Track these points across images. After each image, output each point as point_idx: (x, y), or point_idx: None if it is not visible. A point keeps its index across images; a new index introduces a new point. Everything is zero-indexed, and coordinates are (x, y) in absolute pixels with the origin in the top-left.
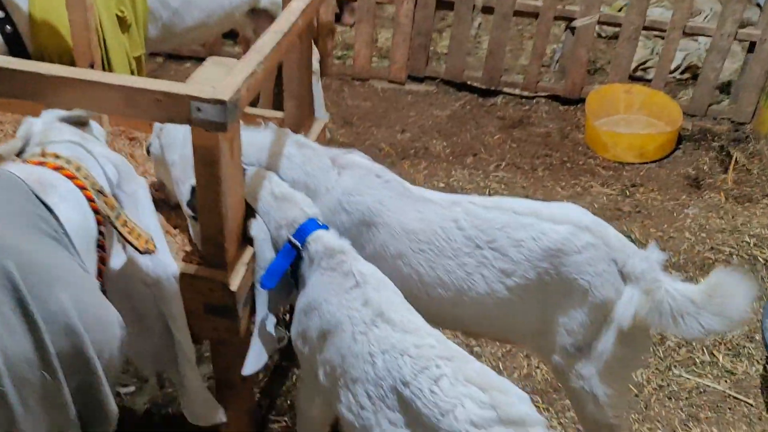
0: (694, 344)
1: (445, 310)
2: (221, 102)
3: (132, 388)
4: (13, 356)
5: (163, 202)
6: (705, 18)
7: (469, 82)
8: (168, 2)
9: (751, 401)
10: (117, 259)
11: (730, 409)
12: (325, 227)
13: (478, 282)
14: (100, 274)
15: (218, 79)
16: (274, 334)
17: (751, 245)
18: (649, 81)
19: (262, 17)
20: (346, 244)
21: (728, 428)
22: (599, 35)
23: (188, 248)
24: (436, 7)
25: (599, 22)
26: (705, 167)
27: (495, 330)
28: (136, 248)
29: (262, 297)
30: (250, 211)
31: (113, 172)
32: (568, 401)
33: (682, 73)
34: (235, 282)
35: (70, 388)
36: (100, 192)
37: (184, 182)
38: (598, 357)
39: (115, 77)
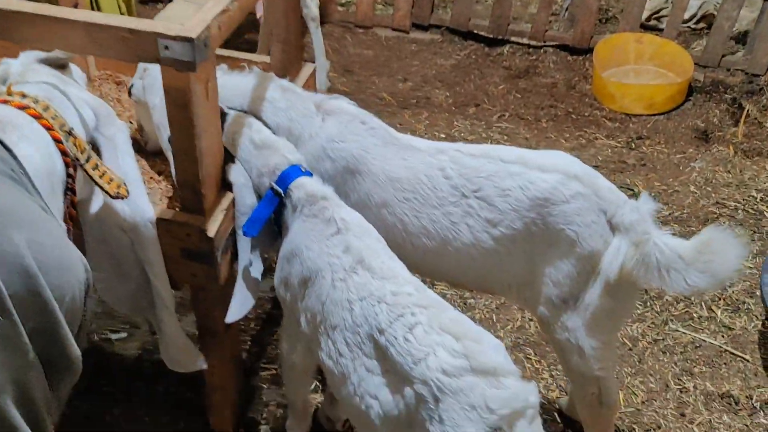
0: (692, 299)
1: (429, 261)
2: (189, 39)
3: (123, 335)
4: None
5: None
6: None
7: (475, 31)
8: None
9: (747, 357)
10: (93, 203)
11: (725, 364)
12: (309, 174)
13: (463, 232)
14: (71, 218)
15: (188, 16)
16: (260, 280)
17: (758, 200)
18: (663, 31)
19: None
20: (329, 191)
21: (722, 383)
22: None
23: (171, 194)
24: None
25: None
26: (715, 120)
27: (480, 281)
28: (107, 192)
29: (244, 244)
30: (229, 156)
31: (90, 115)
32: None
33: (697, 22)
34: (212, 228)
35: (27, 330)
36: (70, 133)
37: (166, 127)
38: (584, 309)
39: (78, 13)
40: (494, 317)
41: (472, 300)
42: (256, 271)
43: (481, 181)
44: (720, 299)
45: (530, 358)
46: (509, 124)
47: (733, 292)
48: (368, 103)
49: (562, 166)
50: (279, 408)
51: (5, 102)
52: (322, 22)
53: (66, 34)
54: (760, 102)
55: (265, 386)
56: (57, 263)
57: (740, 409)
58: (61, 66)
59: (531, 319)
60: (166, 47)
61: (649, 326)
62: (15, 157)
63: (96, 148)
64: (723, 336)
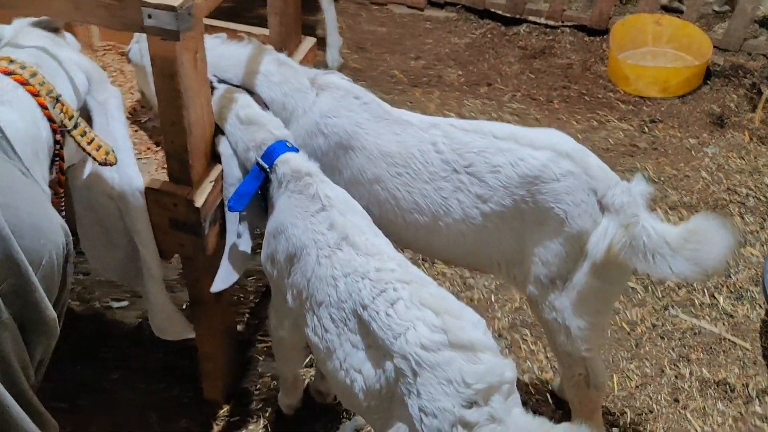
0: (694, 285)
1: (420, 237)
2: (171, 8)
3: (125, 303)
4: None
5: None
6: None
7: (492, 10)
8: None
9: (747, 345)
10: (83, 170)
11: (723, 351)
12: (294, 149)
13: (453, 207)
14: (60, 183)
15: None
16: (248, 254)
17: None
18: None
19: None
20: (314, 167)
21: (719, 370)
22: None
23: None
24: None
25: None
26: (732, 105)
27: (470, 258)
28: (94, 159)
29: (232, 217)
30: (219, 128)
31: (83, 80)
32: None
33: (722, 5)
34: (200, 199)
35: (0, 291)
36: (57, 99)
37: None
38: (571, 289)
39: None
40: (492, 297)
41: (472, 280)
42: (245, 244)
43: (472, 157)
44: (723, 286)
45: (526, 339)
46: (521, 105)
47: (737, 279)
48: (379, 81)
49: (553, 144)
50: (273, 380)
51: None
52: None
53: (51, 1)
54: None
55: (261, 358)
56: (32, 227)
57: (736, 397)
58: (54, 30)
59: None
60: (150, 16)
61: (648, 311)
62: None
63: (88, 112)
64: (724, 323)
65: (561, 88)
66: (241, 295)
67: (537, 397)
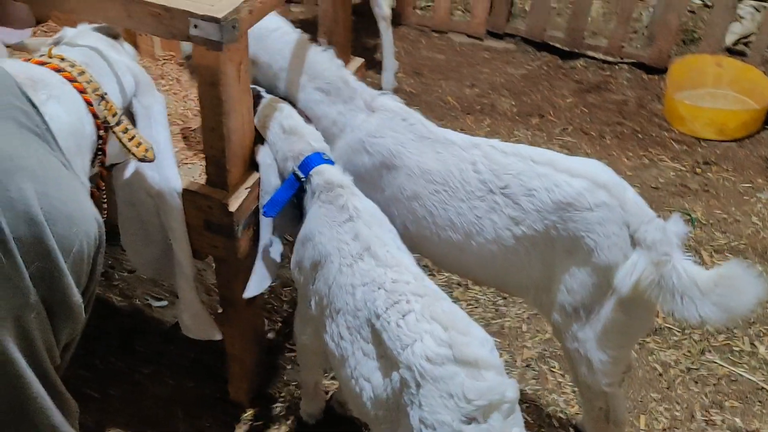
0: (734, 332)
1: (453, 255)
2: (216, 20)
3: (164, 302)
4: None
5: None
6: None
7: (550, 42)
8: None
9: None
10: (126, 168)
11: (759, 402)
12: (331, 162)
13: (486, 227)
14: (102, 178)
15: None
16: (278, 261)
17: None
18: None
19: None
20: (347, 180)
21: (753, 420)
22: (703, 3)
23: None
24: None
25: None
26: None
27: (500, 280)
28: (134, 155)
29: (266, 224)
30: (260, 137)
31: (130, 82)
32: None
33: None
34: (234, 203)
35: (30, 273)
36: (102, 97)
37: None
38: (596, 321)
39: None
40: (524, 327)
41: (504, 308)
42: (275, 252)
43: (508, 179)
44: (765, 335)
45: (554, 371)
46: (571, 138)
47: None
48: (432, 106)
49: (591, 174)
50: (298, 389)
51: (42, 63)
52: (399, 24)
53: (106, 7)
54: None
55: (288, 366)
56: (65, 215)
57: None
58: (113, 36)
59: None
60: (195, 26)
61: (684, 354)
62: (40, 115)
63: (133, 114)
64: (763, 373)
65: (614, 123)
66: (275, 304)
67: (560, 431)
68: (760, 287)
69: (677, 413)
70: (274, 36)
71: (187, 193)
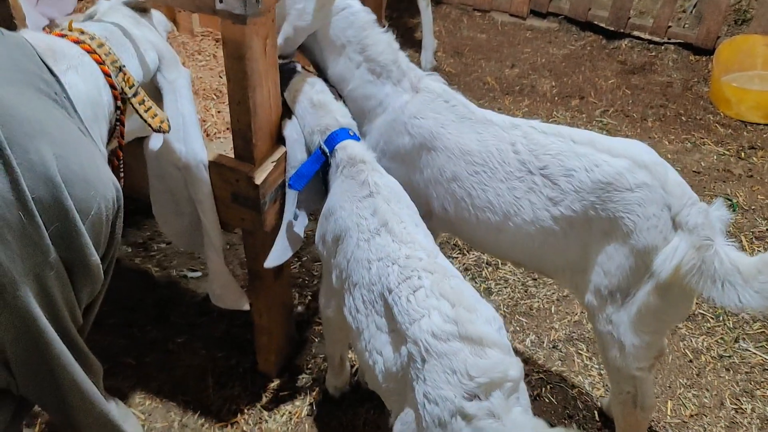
0: None
1: (490, 236)
2: None
3: (198, 273)
4: None
5: None
6: None
7: (594, 22)
8: None
9: None
10: (153, 141)
11: None
12: (356, 138)
13: (525, 208)
14: (121, 148)
15: None
16: (301, 235)
17: None
18: None
19: None
20: (369, 155)
21: None
22: None
23: None
24: None
25: None
26: None
27: (536, 261)
28: (150, 125)
29: (290, 197)
30: (288, 111)
31: (153, 58)
32: None
33: None
34: (260, 176)
35: (49, 232)
36: (120, 69)
37: None
38: (631, 305)
39: None
40: (552, 308)
41: (534, 289)
42: (300, 225)
43: (548, 159)
44: None
45: (581, 353)
46: (612, 120)
47: None
48: (471, 86)
49: (632, 154)
50: (324, 362)
51: (63, 36)
52: (441, 3)
53: None
54: None
55: (316, 340)
56: (82, 178)
57: None
58: (143, 10)
59: None
60: (221, 0)
61: (717, 341)
62: (60, 83)
63: (158, 89)
64: None
65: (657, 106)
66: (306, 278)
67: (584, 413)
68: None
69: (706, 400)
70: (342, 14)
71: (214, 166)
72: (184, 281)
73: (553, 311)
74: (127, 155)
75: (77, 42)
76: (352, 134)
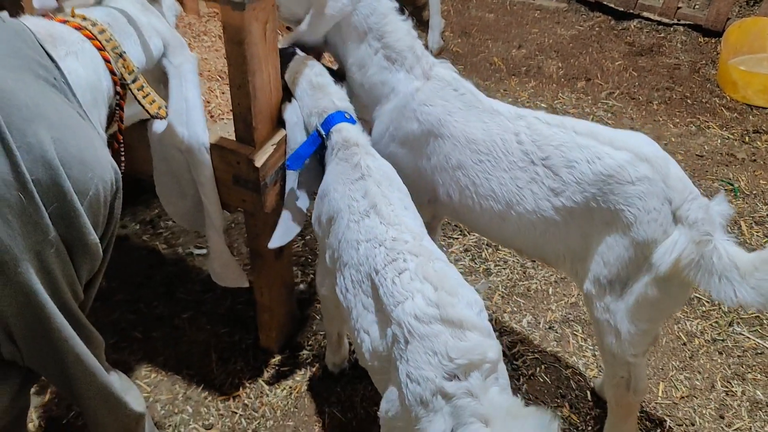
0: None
1: (494, 224)
2: None
3: (204, 251)
4: None
5: None
6: None
7: (604, 2)
8: None
9: None
10: (156, 125)
11: None
12: (352, 121)
13: (527, 197)
14: (121, 132)
15: None
16: (302, 216)
17: None
18: None
19: None
20: (363, 138)
21: None
22: None
23: None
24: None
25: None
26: None
27: (538, 249)
28: (147, 111)
29: (290, 177)
30: (288, 95)
31: (158, 44)
32: None
33: None
34: (260, 159)
35: (48, 212)
36: (120, 56)
37: None
38: (629, 294)
39: None
40: (550, 290)
41: (532, 270)
42: (301, 206)
43: (550, 150)
44: None
45: (576, 335)
46: (617, 102)
47: None
48: (478, 67)
49: (634, 147)
50: (325, 339)
51: (64, 22)
52: None
53: None
54: None
55: (317, 317)
56: (80, 161)
57: None
58: None
59: None
60: None
61: (711, 324)
62: (59, 68)
63: (164, 74)
64: None
65: (664, 89)
66: (309, 257)
67: (577, 393)
68: None
69: (697, 382)
70: (367, 1)
71: (215, 149)
72: (190, 258)
73: (550, 293)
74: (132, 138)
75: (78, 28)
76: (348, 117)
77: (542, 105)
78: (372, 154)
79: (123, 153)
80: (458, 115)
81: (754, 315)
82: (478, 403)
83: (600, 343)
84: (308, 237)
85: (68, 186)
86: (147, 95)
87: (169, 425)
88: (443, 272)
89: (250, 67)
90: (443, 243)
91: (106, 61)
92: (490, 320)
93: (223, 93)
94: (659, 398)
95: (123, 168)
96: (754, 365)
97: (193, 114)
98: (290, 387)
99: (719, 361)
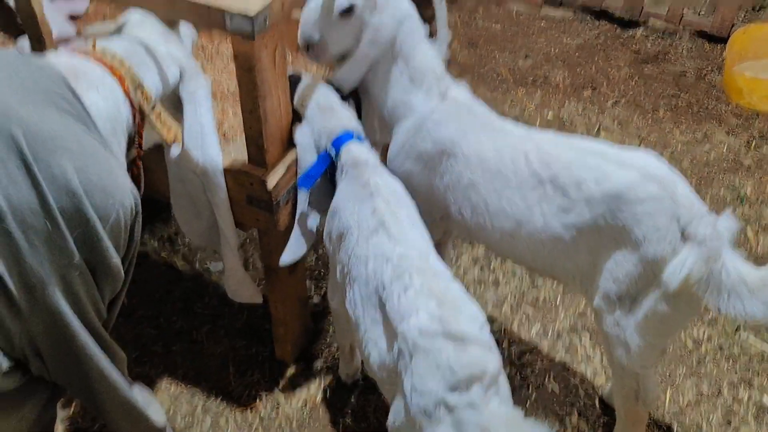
0: None
1: (505, 242)
2: (248, 16)
3: (220, 266)
4: (18, 203)
5: None
6: None
7: (609, 11)
8: None
9: None
10: (173, 149)
11: None
12: (360, 140)
13: (536, 216)
14: (140, 158)
15: None
16: (312, 234)
17: None
18: None
19: None
20: (372, 158)
21: None
22: None
23: None
24: None
25: None
26: None
27: (548, 267)
28: (164, 138)
29: (302, 196)
30: (299, 118)
31: (175, 72)
32: None
33: None
34: (272, 180)
35: (73, 238)
36: (139, 86)
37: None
38: (639, 310)
39: None
40: (558, 299)
41: (540, 280)
42: (311, 224)
43: (558, 169)
44: None
45: (584, 344)
46: (623, 111)
47: None
48: (485, 78)
49: (642, 165)
50: (338, 350)
51: (86, 55)
52: None
53: (153, 1)
54: None
55: (331, 329)
56: (101, 188)
57: None
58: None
59: None
60: (231, 19)
61: (718, 331)
62: (80, 101)
63: (179, 100)
64: None
65: (669, 96)
66: (322, 270)
67: (586, 401)
68: None
69: (704, 389)
70: (407, 24)
71: (229, 171)
72: (208, 274)
73: (558, 302)
74: (150, 161)
75: (99, 61)
76: (357, 137)
77: (549, 115)
78: (380, 172)
79: (142, 177)
80: (471, 135)
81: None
82: (479, 414)
83: (609, 356)
84: (321, 251)
85: (91, 212)
86: (164, 123)
87: None
88: (447, 288)
89: (260, 93)
90: (452, 255)
91: (126, 92)
92: (499, 330)
93: (235, 114)
94: (666, 405)
95: (142, 191)
96: (760, 371)
97: (207, 138)
98: (305, 398)
99: (725, 367)
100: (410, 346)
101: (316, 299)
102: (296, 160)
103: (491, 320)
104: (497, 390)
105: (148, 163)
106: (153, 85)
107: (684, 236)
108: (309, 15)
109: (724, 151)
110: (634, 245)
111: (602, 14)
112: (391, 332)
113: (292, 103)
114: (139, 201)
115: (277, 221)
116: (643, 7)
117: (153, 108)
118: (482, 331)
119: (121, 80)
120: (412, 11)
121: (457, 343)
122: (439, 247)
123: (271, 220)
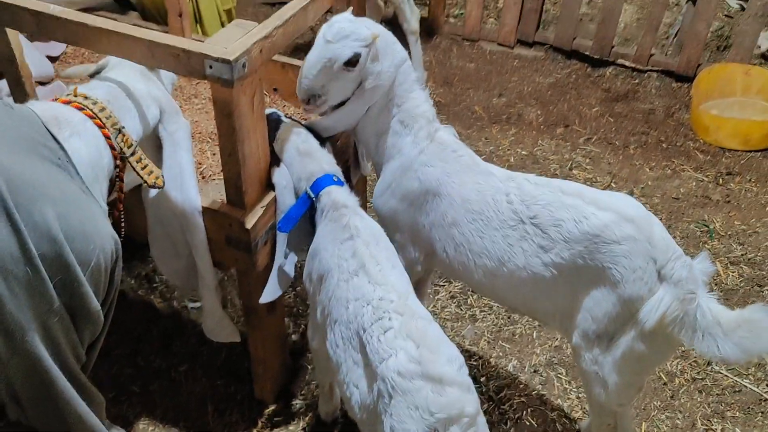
0: None
1: (486, 280)
2: (227, 61)
3: (199, 304)
4: None
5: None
6: None
7: (579, 50)
8: None
9: None
10: (152, 190)
11: (762, 413)
12: (340, 183)
13: (517, 254)
14: (120, 201)
15: (234, 40)
16: (290, 274)
17: None
18: None
19: None
20: (352, 200)
21: (752, 430)
22: (741, 7)
23: None
24: None
25: None
26: None
27: (528, 305)
28: (145, 181)
29: (281, 238)
30: (276, 159)
31: (155, 113)
32: None
33: None
34: (251, 221)
35: (53, 283)
36: (119, 131)
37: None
38: (616, 348)
39: (142, 32)
40: (534, 334)
41: (517, 315)
42: (290, 264)
43: (538, 209)
44: None
45: (561, 378)
46: (595, 148)
47: None
48: (460, 116)
49: (618, 207)
50: (318, 388)
51: (67, 102)
52: (432, 35)
53: (133, 48)
54: None
55: (310, 367)
56: (82, 233)
57: None
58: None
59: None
60: (210, 66)
61: (690, 364)
62: (63, 149)
63: (159, 140)
64: (767, 384)
65: (640, 133)
66: (301, 308)
67: None
68: None
69: (678, 422)
70: (403, 69)
71: (208, 212)
72: (185, 312)
73: (534, 337)
74: (129, 202)
75: (80, 108)
76: (336, 180)
77: (523, 152)
78: (360, 214)
79: (123, 220)
80: (455, 176)
81: None
82: None
83: (588, 393)
84: (299, 288)
85: (71, 258)
86: (145, 166)
87: None
88: (425, 330)
89: (239, 137)
90: (430, 291)
91: (107, 137)
92: (477, 365)
93: (214, 154)
94: None
95: (123, 234)
96: (732, 403)
97: (186, 179)
98: None
99: (699, 400)
100: (389, 388)
101: (294, 337)
102: (274, 201)
103: (469, 356)
104: (476, 431)
105: (125, 203)
106: (134, 129)
107: (660, 277)
108: (310, 68)
109: (693, 186)
110: (612, 284)
111: (573, 54)
112: (371, 374)
113: (271, 145)
114: (120, 246)
115: (256, 261)
116: (612, 47)
117: (133, 153)
118: (460, 372)
119: (101, 126)
120: (406, 55)
121: (436, 384)
122: (420, 283)
123: (250, 260)
